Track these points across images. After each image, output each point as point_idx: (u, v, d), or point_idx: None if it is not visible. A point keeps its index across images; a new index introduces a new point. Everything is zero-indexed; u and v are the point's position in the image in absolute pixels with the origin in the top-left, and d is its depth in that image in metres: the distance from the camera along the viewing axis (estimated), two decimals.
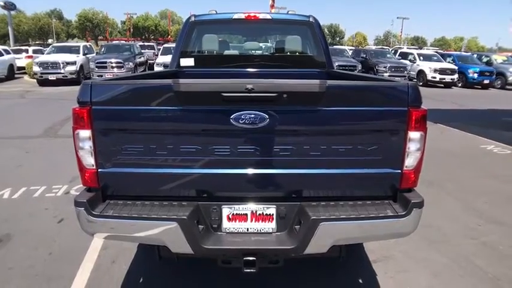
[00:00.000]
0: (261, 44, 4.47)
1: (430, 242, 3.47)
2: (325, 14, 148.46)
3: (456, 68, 18.79)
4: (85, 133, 1.98)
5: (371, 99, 2.06)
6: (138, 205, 2.08)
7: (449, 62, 20.04)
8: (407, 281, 2.91)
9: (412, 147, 2.09)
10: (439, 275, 2.98)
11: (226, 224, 2.14)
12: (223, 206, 2.12)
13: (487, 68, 19.27)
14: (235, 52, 4.55)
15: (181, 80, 1.91)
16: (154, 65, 17.23)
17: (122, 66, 15.77)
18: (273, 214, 2.14)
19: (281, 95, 1.92)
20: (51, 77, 15.41)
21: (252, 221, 2.15)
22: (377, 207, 2.14)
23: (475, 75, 18.56)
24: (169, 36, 71.83)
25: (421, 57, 20.27)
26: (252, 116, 1.95)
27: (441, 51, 27.55)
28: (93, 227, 2.02)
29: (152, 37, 67.25)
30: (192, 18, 4.09)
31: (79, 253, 3.21)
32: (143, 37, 66.54)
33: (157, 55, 20.47)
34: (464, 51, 44.44)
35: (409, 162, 2.12)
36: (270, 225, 2.16)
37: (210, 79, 2.10)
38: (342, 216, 2.03)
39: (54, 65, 15.43)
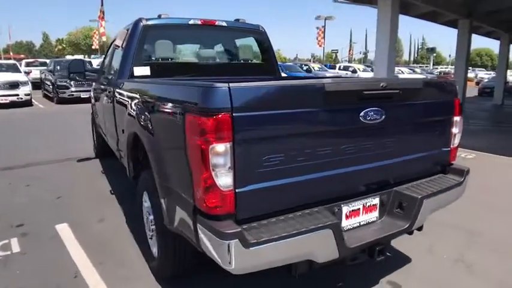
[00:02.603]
0: (216, 51, 4.35)
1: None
2: None
3: (286, 75, 21.82)
4: (223, 147, 1.66)
5: (438, 92, 2.48)
6: (274, 222, 1.87)
7: None
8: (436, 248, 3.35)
9: (457, 128, 2.60)
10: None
11: (344, 223, 2.16)
12: (342, 205, 2.15)
13: (309, 74, 23.08)
14: (192, 60, 4.28)
15: (330, 80, 1.85)
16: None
17: None
18: (377, 204, 2.29)
19: (399, 92, 2.11)
20: None
21: (362, 214, 2.24)
22: (442, 180, 2.56)
23: None
24: None
25: None
26: (374, 112, 2.06)
27: None
28: (248, 259, 1.72)
29: None
30: (144, 22, 3.68)
31: None
32: None
33: None
34: None
35: (455, 140, 2.62)
36: (374, 214, 2.30)
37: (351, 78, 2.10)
38: (434, 191, 2.35)
39: None
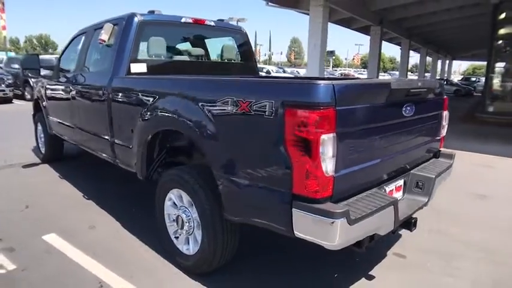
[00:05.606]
0: (205, 50, 4.36)
1: None
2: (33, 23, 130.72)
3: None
4: (330, 137, 1.87)
5: (438, 91, 2.98)
6: (354, 202, 2.12)
7: None
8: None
9: (445, 121, 3.17)
10: None
11: None
12: (385, 186, 2.50)
13: None
14: (185, 58, 4.20)
15: (394, 79, 2.19)
16: None
17: None
18: (401, 184, 2.72)
19: (426, 90, 2.56)
20: None
21: (395, 193, 2.64)
22: (438, 162, 3.09)
23: None
24: None
25: None
26: (410, 107, 2.46)
27: None
28: (348, 235, 1.94)
29: None
30: (139, 17, 3.59)
31: None
32: None
33: None
34: None
35: (443, 131, 3.19)
36: (400, 193, 2.72)
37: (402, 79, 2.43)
38: (441, 171, 2.86)
39: None
